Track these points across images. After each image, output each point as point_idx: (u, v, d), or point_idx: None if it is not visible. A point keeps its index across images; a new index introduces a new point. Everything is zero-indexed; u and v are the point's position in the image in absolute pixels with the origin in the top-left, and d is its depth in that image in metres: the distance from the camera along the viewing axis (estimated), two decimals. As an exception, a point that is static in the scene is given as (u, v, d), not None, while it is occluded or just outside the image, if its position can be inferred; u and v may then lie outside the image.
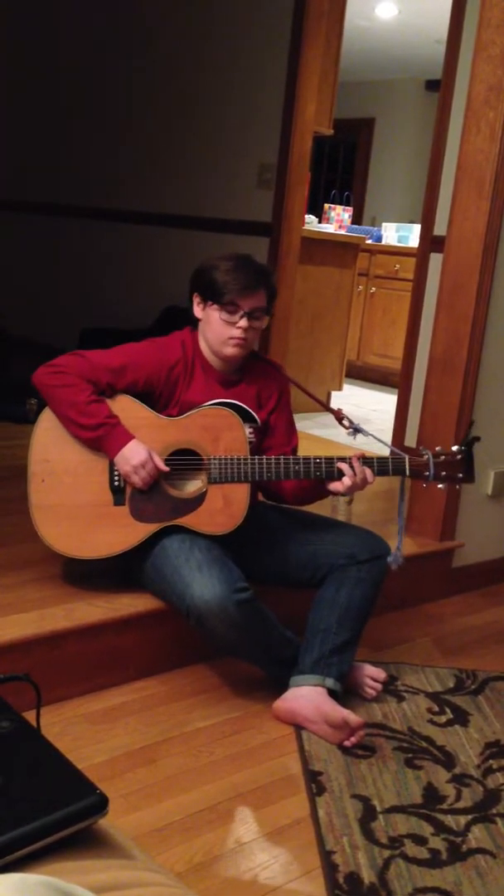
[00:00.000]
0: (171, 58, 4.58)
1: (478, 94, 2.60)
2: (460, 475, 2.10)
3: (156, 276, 4.79)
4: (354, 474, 2.04)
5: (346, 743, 1.95)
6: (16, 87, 5.51)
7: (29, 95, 5.46)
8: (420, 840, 1.69)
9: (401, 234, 6.34)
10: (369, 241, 6.16)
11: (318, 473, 2.07)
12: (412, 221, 6.58)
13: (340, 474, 2.07)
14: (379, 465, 2.08)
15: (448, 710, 2.19)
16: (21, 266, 5.62)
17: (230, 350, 2.09)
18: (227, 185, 4.34)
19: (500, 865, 1.65)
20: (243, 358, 2.15)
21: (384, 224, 6.63)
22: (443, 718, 2.15)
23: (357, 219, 7.82)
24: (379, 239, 6.42)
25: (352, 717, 1.94)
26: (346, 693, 2.11)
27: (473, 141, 2.62)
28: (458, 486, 2.15)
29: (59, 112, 5.30)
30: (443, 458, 2.09)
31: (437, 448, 2.13)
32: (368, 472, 2.06)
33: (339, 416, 2.21)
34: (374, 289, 6.24)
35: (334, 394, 5.10)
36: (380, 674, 2.22)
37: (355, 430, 2.18)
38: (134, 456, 2.02)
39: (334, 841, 1.66)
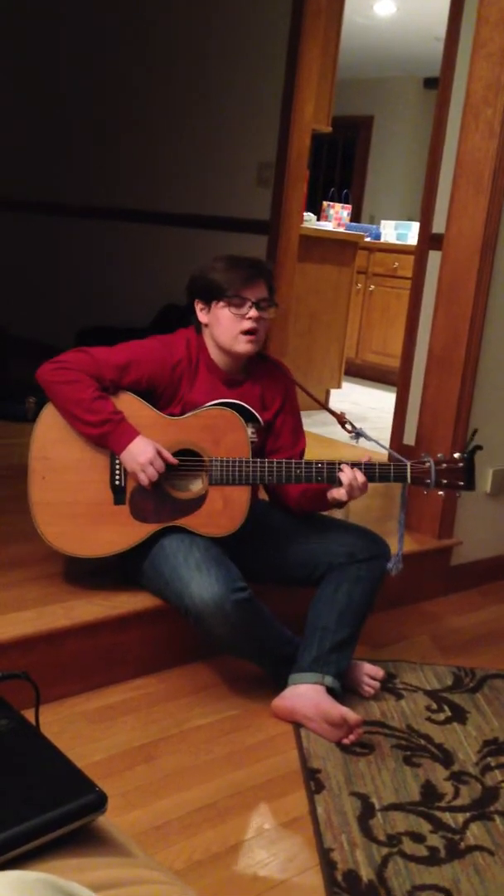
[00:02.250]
0: (170, 56, 4.57)
1: (476, 92, 2.60)
2: (461, 483, 2.08)
3: (154, 274, 4.79)
4: (353, 479, 2.02)
5: (345, 741, 1.95)
6: (16, 86, 5.50)
7: (28, 94, 5.45)
8: (418, 838, 1.69)
9: (399, 232, 6.34)
10: (368, 239, 6.16)
11: (319, 478, 2.05)
12: (411, 219, 6.58)
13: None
14: (381, 472, 2.06)
15: (446, 707, 2.19)
16: (20, 265, 5.61)
17: (243, 346, 2.08)
18: (226, 184, 4.33)
19: (498, 863, 1.65)
20: (253, 354, 2.14)
21: (383, 222, 6.63)
22: (441, 716, 2.15)
23: (356, 216, 7.82)
24: (378, 237, 6.42)
25: (350, 714, 1.94)
26: (345, 691, 2.12)
27: (472, 138, 2.62)
28: (457, 494, 2.15)
29: (59, 111, 5.29)
30: (444, 465, 2.07)
31: (439, 455, 2.11)
32: (361, 478, 2.03)
33: (341, 420, 2.21)
34: (372, 287, 6.24)
35: (333, 392, 5.10)
36: (378, 672, 2.22)
37: (357, 434, 2.17)
38: (141, 453, 2.01)
39: (333, 838, 1.66)
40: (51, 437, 2.07)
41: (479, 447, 2.11)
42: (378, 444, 2.19)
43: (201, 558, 1.97)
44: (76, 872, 0.80)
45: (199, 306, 2.12)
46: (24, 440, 2.13)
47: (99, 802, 0.87)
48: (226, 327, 2.07)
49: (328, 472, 2.05)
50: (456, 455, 2.10)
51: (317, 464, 2.06)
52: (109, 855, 0.86)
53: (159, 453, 2.02)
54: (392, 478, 2.08)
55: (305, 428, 2.31)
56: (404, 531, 2.22)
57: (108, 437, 2.02)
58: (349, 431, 2.19)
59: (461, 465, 2.08)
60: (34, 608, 2.04)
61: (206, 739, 1.94)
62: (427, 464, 2.08)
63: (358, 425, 2.20)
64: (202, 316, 2.12)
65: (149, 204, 4.77)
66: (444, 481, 2.08)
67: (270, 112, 4.03)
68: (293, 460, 2.07)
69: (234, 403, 2.11)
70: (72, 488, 2.07)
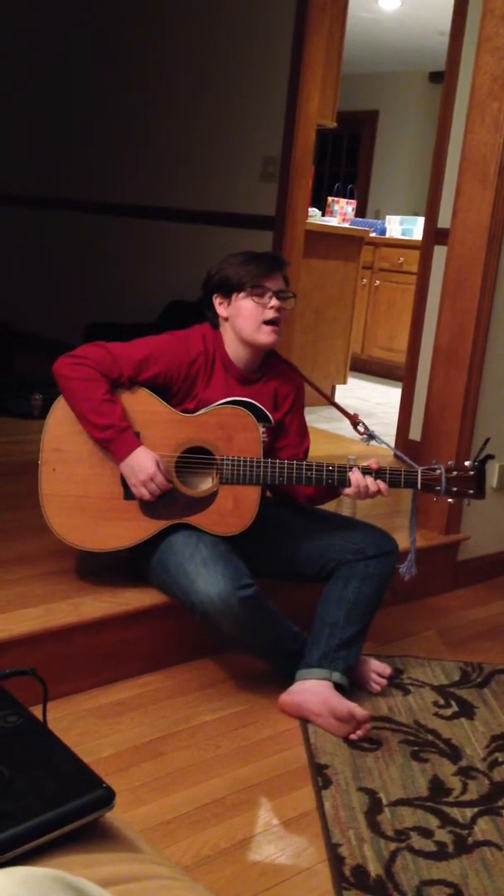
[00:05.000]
0: (175, 52, 4.57)
1: (481, 86, 2.59)
2: (471, 491, 2.10)
3: (160, 269, 4.79)
4: (359, 479, 2.04)
5: (353, 736, 1.95)
6: (20, 82, 5.50)
7: (33, 89, 5.45)
8: (426, 833, 1.69)
9: (405, 227, 6.32)
10: (373, 234, 6.15)
11: (330, 481, 2.06)
12: (416, 214, 6.56)
13: None
14: (391, 477, 2.07)
15: (454, 702, 2.19)
16: (25, 260, 5.62)
17: (266, 337, 2.09)
18: (231, 179, 4.33)
19: (506, 857, 1.65)
20: (273, 348, 2.15)
21: (388, 217, 6.61)
22: (448, 711, 2.15)
23: (361, 212, 7.80)
24: (383, 232, 6.41)
25: (358, 710, 1.94)
26: (352, 687, 2.12)
27: (477, 132, 2.62)
28: (467, 503, 2.15)
29: (65, 106, 5.29)
30: (455, 473, 2.09)
31: (450, 462, 2.12)
32: (383, 485, 2.06)
33: (354, 421, 2.21)
34: (378, 282, 6.23)
35: (339, 388, 5.10)
36: (385, 669, 2.22)
37: (370, 436, 2.18)
38: (141, 470, 2.01)
39: (340, 834, 1.66)
40: (63, 430, 2.07)
41: (490, 456, 2.11)
42: (389, 447, 2.20)
43: (208, 555, 1.97)
44: (84, 868, 0.80)
45: (217, 300, 2.13)
46: (29, 437, 2.14)
47: (107, 798, 0.87)
48: (247, 317, 2.08)
49: (339, 476, 2.05)
50: (467, 463, 2.11)
51: (328, 466, 2.06)
52: (117, 851, 0.86)
53: (159, 466, 2.02)
54: (402, 484, 2.09)
55: (312, 423, 2.31)
56: (416, 532, 2.22)
57: (109, 443, 2.02)
58: (361, 433, 2.19)
59: (472, 473, 2.09)
60: (42, 605, 2.05)
61: (213, 735, 1.94)
62: (438, 471, 2.08)
63: (366, 422, 2.20)
64: (222, 310, 2.13)
65: (153, 199, 4.77)
66: (455, 489, 2.09)
67: (275, 107, 4.02)
68: (304, 462, 2.07)
69: (247, 402, 2.10)
70: (82, 481, 2.07)
